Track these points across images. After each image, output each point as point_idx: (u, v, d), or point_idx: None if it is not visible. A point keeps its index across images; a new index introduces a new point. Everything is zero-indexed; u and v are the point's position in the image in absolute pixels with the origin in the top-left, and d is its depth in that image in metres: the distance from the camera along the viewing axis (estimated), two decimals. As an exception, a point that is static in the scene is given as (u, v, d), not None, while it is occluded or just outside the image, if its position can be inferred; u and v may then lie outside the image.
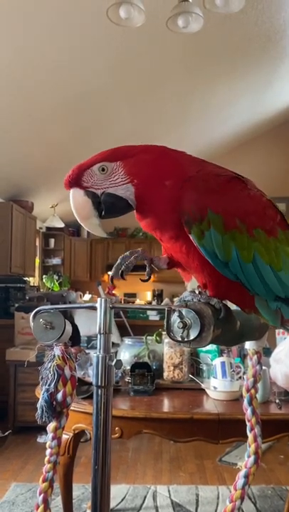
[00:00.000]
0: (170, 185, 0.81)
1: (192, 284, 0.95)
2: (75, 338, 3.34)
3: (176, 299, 0.84)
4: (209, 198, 0.79)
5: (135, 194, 0.82)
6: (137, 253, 0.90)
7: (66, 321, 0.87)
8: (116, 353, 2.33)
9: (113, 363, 0.79)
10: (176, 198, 0.80)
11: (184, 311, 0.73)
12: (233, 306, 0.91)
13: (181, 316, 0.73)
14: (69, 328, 0.88)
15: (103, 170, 0.82)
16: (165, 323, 0.74)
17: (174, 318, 0.73)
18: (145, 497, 2.57)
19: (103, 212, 0.84)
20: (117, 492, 2.60)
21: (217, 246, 0.78)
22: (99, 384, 0.80)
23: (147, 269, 0.91)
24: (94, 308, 0.83)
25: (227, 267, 0.80)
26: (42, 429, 3.41)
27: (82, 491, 2.57)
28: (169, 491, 2.64)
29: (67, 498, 1.92)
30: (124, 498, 2.55)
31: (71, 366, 0.92)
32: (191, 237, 0.80)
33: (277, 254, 0.82)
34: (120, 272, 0.88)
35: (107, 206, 0.83)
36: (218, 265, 0.80)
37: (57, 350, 0.92)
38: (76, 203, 0.83)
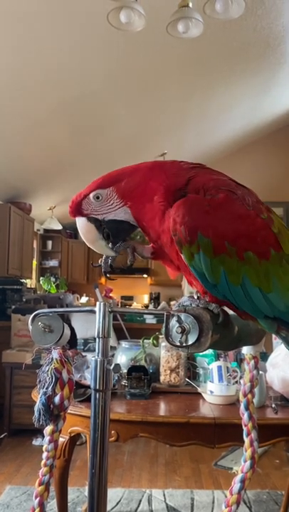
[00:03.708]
0: (159, 201, 0.83)
1: (188, 287, 0.97)
2: (72, 340, 3.34)
3: (173, 303, 0.85)
4: (200, 220, 0.79)
5: (133, 215, 0.87)
6: (120, 243, 0.93)
7: (65, 324, 0.87)
8: (113, 356, 2.33)
9: (111, 367, 0.79)
10: (168, 215, 0.82)
11: (182, 315, 0.73)
12: (231, 311, 0.92)
13: (179, 321, 0.73)
14: (67, 331, 0.88)
15: (98, 198, 0.87)
16: (164, 328, 0.74)
17: (173, 323, 0.74)
18: (140, 501, 2.56)
19: (110, 237, 0.89)
20: (112, 495, 2.59)
21: (206, 269, 0.79)
22: (97, 388, 0.80)
23: (129, 256, 0.94)
24: (93, 312, 0.83)
25: (215, 288, 0.81)
26: (37, 432, 3.41)
27: (77, 494, 2.56)
28: (164, 494, 2.63)
29: (63, 501, 1.91)
30: (120, 501, 2.55)
31: (69, 370, 0.92)
32: (182, 256, 0.82)
33: (268, 277, 0.81)
34: (110, 265, 0.93)
35: (112, 232, 0.89)
36: (207, 286, 0.81)
37: (55, 354, 0.92)
38: (82, 229, 0.89)
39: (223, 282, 0.80)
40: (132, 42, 3.02)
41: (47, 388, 0.91)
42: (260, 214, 0.83)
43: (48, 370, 0.92)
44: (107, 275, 0.95)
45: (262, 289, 0.81)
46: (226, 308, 0.88)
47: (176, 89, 4.07)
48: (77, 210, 0.88)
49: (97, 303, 0.82)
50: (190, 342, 0.72)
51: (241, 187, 0.88)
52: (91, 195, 0.87)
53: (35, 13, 2.58)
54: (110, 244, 0.90)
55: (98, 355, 0.81)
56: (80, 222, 0.89)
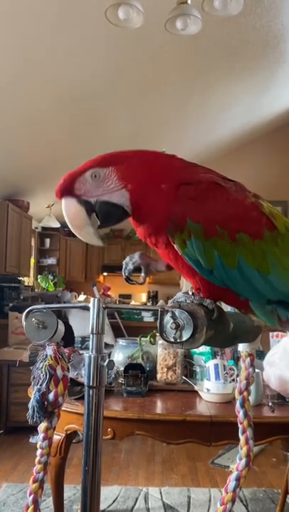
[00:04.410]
0: (161, 190, 0.80)
1: (187, 285, 0.96)
2: (69, 338, 3.34)
3: (170, 301, 0.84)
4: (188, 207, 0.79)
5: (130, 200, 0.81)
6: (134, 259, 0.93)
7: (59, 320, 0.87)
8: (110, 353, 2.32)
9: (105, 364, 0.79)
10: (164, 205, 0.80)
11: (176, 311, 0.73)
12: (226, 308, 0.91)
13: (174, 316, 0.72)
14: (61, 327, 0.87)
15: (95, 176, 0.80)
16: (158, 324, 0.73)
17: (167, 319, 0.73)
18: (137, 499, 2.56)
19: (99, 222, 0.83)
20: (109, 493, 2.59)
21: (199, 254, 0.78)
22: (90, 384, 0.79)
23: (142, 274, 0.93)
24: (87, 309, 0.82)
25: (212, 274, 0.80)
26: (34, 430, 3.39)
27: (73, 492, 2.56)
28: (160, 492, 2.63)
29: (59, 499, 1.91)
30: (116, 499, 2.54)
31: (63, 366, 0.91)
32: (175, 247, 0.80)
33: (265, 257, 0.80)
34: (126, 277, 0.93)
35: (102, 215, 0.82)
36: (204, 273, 0.80)
37: (49, 350, 0.91)
38: (69, 212, 0.81)
39: (219, 266, 0.78)
40: (131, 39, 3.01)
41: (41, 385, 0.90)
42: (247, 198, 0.84)
43: (42, 367, 0.91)
44: (129, 280, 0.94)
45: (260, 271, 0.79)
46: (222, 305, 0.87)
47: (175, 87, 4.06)
48: (68, 189, 0.80)
49: (91, 299, 0.82)
50: (184, 338, 0.72)
51: (228, 180, 0.87)
52: (88, 173, 0.80)
53: (34, 11, 2.56)
54: (97, 232, 0.83)
55: (92, 352, 0.80)
56: (69, 204, 0.80)
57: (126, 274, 0.93)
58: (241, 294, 0.81)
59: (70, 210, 0.81)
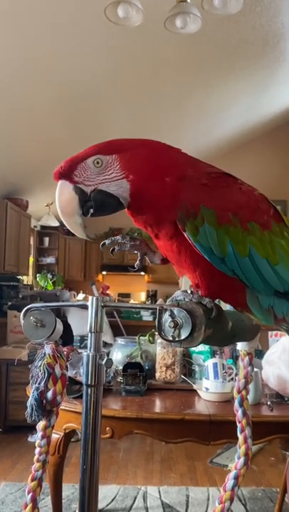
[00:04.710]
0: (168, 182, 0.79)
1: (186, 283, 0.96)
2: (68, 337, 3.33)
3: (169, 299, 0.84)
4: (202, 194, 0.79)
5: (130, 191, 0.79)
6: (135, 242, 0.91)
7: (57, 319, 0.86)
8: (108, 352, 2.32)
9: (103, 362, 0.79)
10: (171, 196, 0.79)
11: (175, 310, 0.73)
12: (225, 307, 0.91)
13: (172, 315, 0.72)
14: (60, 326, 0.87)
15: (98, 163, 0.78)
16: (156, 323, 0.73)
17: (166, 317, 0.73)
18: (135, 498, 2.56)
19: (91, 210, 0.81)
20: (108, 492, 2.59)
21: (212, 241, 0.78)
22: (89, 383, 0.79)
23: (137, 262, 0.93)
24: (85, 307, 0.82)
25: (224, 263, 0.79)
26: (33, 428, 3.38)
27: (72, 490, 2.56)
28: (159, 491, 2.63)
29: (57, 497, 1.91)
30: (115, 498, 2.54)
31: (62, 365, 0.91)
32: (185, 235, 0.79)
33: (273, 248, 0.81)
34: (112, 248, 0.89)
35: (96, 204, 0.80)
36: (215, 261, 0.79)
37: (47, 349, 0.91)
38: (62, 197, 0.79)
39: (231, 254, 0.78)
40: (130, 37, 3.00)
41: (39, 383, 0.90)
42: (255, 190, 0.86)
43: (40, 365, 0.91)
44: (103, 246, 0.92)
45: (269, 261, 0.80)
46: (221, 304, 0.87)
47: (174, 85, 4.06)
48: (68, 173, 0.78)
49: (90, 297, 0.81)
50: (183, 337, 0.71)
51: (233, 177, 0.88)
52: (90, 160, 0.78)
53: (33, 10, 2.56)
54: (83, 224, 0.81)
55: (90, 350, 0.80)
56: (63, 189, 0.78)
57: (108, 242, 0.89)
58: (250, 284, 0.81)
59: (63, 195, 0.79)
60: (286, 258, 0.82)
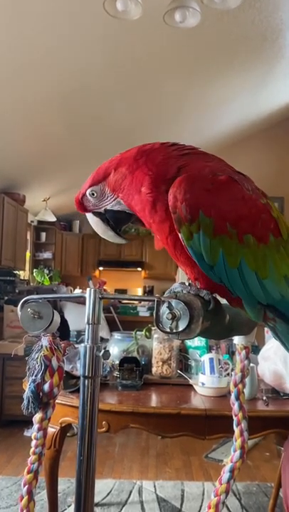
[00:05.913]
0: (146, 192, 0.82)
1: (182, 279, 0.96)
2: (64, 332, 3.33)
3: (167, 291, 0.84)
4: (202, 199, 0.77)
5: (126, 205, 0.88)
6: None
7: (54, 311, 0.86)
8: (105, 347, 2.32)
9: (101, 354, 0.79)
10: (164, 198, 0.79)
11: (173, 302, 0.73)
12: (223, 300, 0.91)
13: (170, 307, 0.72)
14: (57, 318, 0.87)
15: (93, 194, 0.89)
16: (154, 314, 0.73)
17: (164, 309, 0.73)
18: (131, 492, 2.57)
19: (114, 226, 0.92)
20: (103, 486, 2.60)
21: (204, 249, 0.77)
22: (86, 374, 0.79)
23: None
24: (83, 299, 0.82)
25: (212, 270, 0.79)
26: (29, 423, 3.40)
27: (67, 484, 2.56)
28: (154, 486, 2.64)
29: (53, 491, 1.91)
30: (110, 492, 2.55)
31: (58, 357, 0.91)
32: (180, 236, 0.79)
33: (265, 262, 0.80)
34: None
35: (113, 221, 0.92)
36: (204, 267, 0.80)
37: (44, 341, 0.91)
38: (91, 223, 0.94)
39: (221, 264, 0.78)
40: (129, 31, 2.98)
41: (36, 376, 0.90)
42: (259, 199, 0.83)
43: (37, 358, 0.90)
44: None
45: (258, 274, 0.80)
46: (218, 297, 0.87)
47: (174, 80, 4.04)
48: (82, 207, 0.93)
49: (87, 289, 0.81)
50: (180, 328, 0.71)
51: (238, 173, 0.86)
52: (87, 193, 0.90)
53: (31, 3, 2.54)
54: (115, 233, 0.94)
55: (88, 342, 0.80)
56: (89, 218, 0.94)
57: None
58: (234, 292, 0.81)
59: (91, 221, 0.94)
60: (276, 273, 0.81)
